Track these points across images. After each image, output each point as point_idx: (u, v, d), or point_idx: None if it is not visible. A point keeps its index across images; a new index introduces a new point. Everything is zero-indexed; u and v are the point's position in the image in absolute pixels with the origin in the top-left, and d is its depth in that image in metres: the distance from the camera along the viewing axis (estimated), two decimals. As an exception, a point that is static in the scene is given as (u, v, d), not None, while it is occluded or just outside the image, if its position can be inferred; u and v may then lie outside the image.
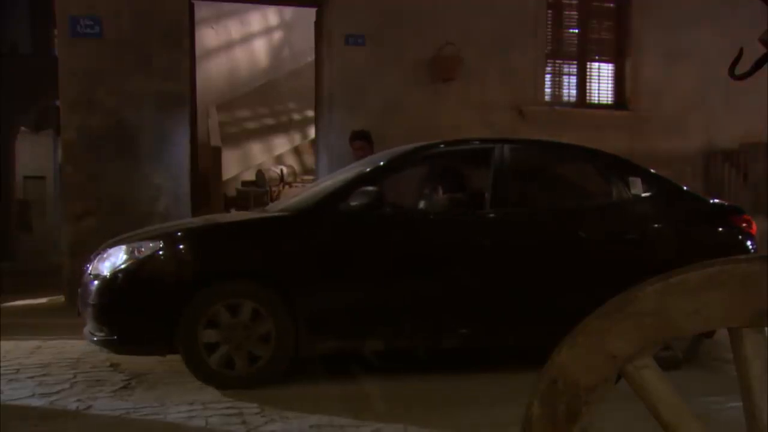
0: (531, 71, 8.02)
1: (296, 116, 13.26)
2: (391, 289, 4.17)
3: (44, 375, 4.38)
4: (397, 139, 7.30)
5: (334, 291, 4.13)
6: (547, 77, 8.33)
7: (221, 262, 4.11)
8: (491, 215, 4.44)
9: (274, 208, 4.70)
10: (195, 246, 4.17)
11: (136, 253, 4.04)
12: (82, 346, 5.16)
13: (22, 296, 7.33)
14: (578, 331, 1.01)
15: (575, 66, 8.49)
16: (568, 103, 8.45)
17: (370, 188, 4.20)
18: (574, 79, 8.50)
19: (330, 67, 7.70)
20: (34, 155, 13.74)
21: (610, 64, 8.54)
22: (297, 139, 13.37)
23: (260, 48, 13.20)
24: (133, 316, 4.04)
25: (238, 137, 12.42)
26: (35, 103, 12.17)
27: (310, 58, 9.70)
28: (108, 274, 4.06)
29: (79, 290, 4.37)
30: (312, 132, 11.36)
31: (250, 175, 11.88)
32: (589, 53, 8.54)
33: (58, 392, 4.00)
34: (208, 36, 12.04)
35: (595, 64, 8.54)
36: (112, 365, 4.63)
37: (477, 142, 5.05)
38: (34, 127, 13.38)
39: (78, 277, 6.77)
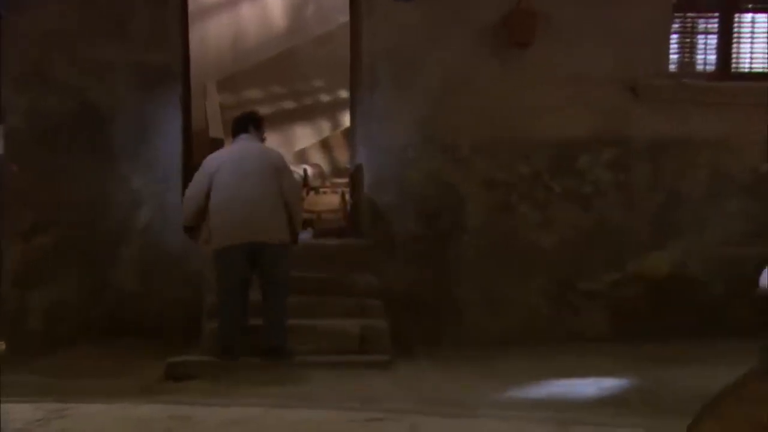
0: (649, 29, 7.79)
1: (325, 98, 13.16)
2: None
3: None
4: (463, 127, 7.65)
5: None
6: (674, 38, 8.05)
7: None
8: None
9: None
10: None
11: None
12: (29, 411, 5.10)
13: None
14: (725, 397, 0.91)
15: (716, 20, 8.14)
16: (704, 74, 8.16)
17: None
18: (713, 39, 8.17)
19: (371, 30, 7.70)
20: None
21: (769, 15, 8.22)
22: (326, 128, 13.31)
23: (275, 4, 13.15)
24: None
25: (247, 126, 12.44)
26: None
27: (344, 18, 9.70)
28: None
29: None
30: (346, 119, 11.37)
31: (262, 177, 11.92)
32: (739, 1, 8.17)
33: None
34: (205, -12, 12.00)
35: (747, 16, 8.18)
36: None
37: None
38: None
39: (27, 312, 7.07)
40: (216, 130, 10.85)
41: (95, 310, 7.28)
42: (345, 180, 10.45)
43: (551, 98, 7.64)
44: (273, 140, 12.36)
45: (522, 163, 7.72)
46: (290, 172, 6.48)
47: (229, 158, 6.32)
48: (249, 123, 6.58)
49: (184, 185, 7.32)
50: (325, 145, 13.12)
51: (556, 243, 7.70)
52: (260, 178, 6.19)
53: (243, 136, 6.50)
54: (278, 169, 6.29)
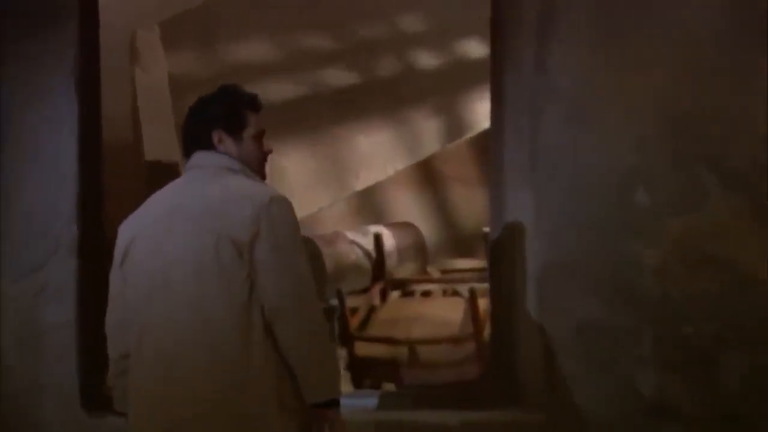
0: None
1: (425, 60, 13.57)
2: None
3: None
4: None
5: None
6: None
7: None
8: None
9: None
10: None
11: None
12: None
13: None
14: None
15: None
16: None
17: None
18: None
19: None
20: None
21: None
22: (429, 135, 13.64)
23: None
24: None
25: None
26: None
27: None
28: None
29: None
30: (481, 112, 11.55)
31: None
32: None
33: None
34: None
35: None
36: None
37: None
38: None
39: None
40: (158, 145, 10.24)
41: None
42: (478, 263, 10.51)
43: None
44: (293, 163, 12.62)
45: None
46: (283, 253, 4.71)
47: (150, 223, 4.77)
48: (210, 123, 4.86)
49: (83, 278, 6.97)
50: (427, 175, 13.56)
51: None
52: (197, 282, 4.58)
53: (196, 158, 4.88)
54: (241, 248, 4.56)
